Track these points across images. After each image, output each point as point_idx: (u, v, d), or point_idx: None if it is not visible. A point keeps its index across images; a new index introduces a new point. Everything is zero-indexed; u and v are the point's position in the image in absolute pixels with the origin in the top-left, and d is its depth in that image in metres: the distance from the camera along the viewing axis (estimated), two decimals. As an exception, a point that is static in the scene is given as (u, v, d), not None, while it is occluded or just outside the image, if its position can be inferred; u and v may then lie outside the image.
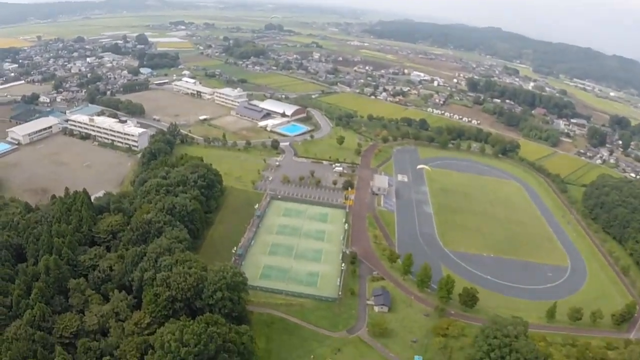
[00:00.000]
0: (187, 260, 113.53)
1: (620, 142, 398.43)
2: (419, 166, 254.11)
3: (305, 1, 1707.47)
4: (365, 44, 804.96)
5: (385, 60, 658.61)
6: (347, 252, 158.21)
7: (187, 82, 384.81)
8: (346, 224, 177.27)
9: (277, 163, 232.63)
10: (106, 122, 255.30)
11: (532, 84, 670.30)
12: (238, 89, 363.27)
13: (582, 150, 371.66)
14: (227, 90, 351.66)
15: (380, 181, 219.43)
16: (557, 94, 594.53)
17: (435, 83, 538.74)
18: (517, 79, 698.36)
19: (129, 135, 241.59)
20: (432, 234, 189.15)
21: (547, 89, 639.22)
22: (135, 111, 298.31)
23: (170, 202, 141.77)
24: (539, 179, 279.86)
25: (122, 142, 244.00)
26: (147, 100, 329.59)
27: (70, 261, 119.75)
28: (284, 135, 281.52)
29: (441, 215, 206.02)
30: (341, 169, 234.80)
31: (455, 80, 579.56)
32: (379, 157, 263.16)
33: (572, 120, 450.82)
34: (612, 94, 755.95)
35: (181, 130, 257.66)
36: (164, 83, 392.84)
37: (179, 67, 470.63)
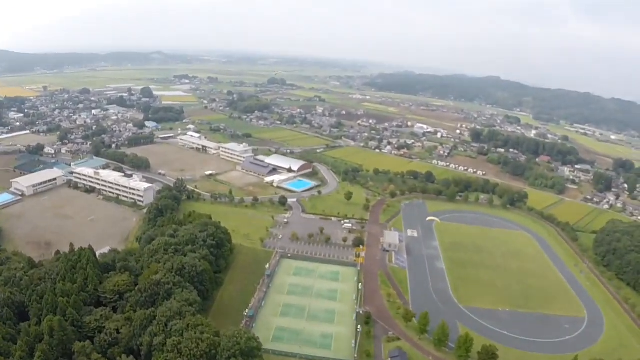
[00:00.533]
0: (198, 324, 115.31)
1: (625, 185, 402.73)
2: (429, 218, 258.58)
3: (307, 55, 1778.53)
4: (367, 97, 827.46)
5: (388, 114, 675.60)
6: (361, 312, 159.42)
7: (192, 136, 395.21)
8: (359, 283, 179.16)
9: (286, 220, 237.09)
10: (111, 175, 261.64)
11: (534, 131, 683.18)
12: (244, 144, 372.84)
13: (588, 196, 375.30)
14: (233, 145, 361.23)
15: (391, 237, 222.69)
16: (560, 141, 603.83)
17: (439, 135, 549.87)
18: (519, 128, 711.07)
19: (134, 190, 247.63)
20: (445, 290, 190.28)
21: (549, 136, 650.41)
22: (141, 165, 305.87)
23: (179, 262, 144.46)
24: (548, 228, 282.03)
25: (127, 197, 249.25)
26: (152, 154, 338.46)
27: (75, 322, 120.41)
28: (291, 191, 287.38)
29: (454, 271, 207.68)
30: (350, 225, 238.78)
31: (458, 132, 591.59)
32: (388, 212, 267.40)
33: (577, 167, 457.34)
34: (613, 137, 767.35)
35: (187, 186, 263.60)
36: (170, 137, 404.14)
37: (184, 121, 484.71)
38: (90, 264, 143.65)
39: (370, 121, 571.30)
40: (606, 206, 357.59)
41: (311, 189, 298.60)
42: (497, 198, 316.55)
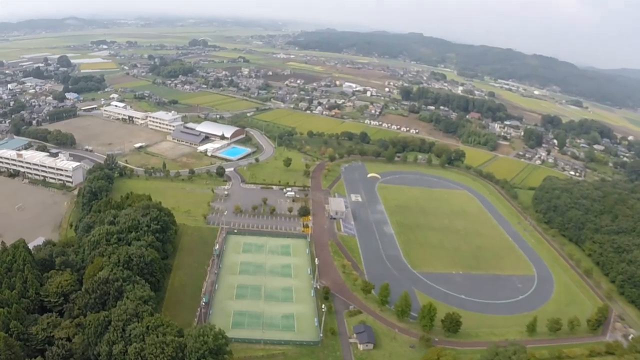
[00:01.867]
0: (159, 325, 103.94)
1: (555, 141, 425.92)
2: (369, 175, 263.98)
3: (226, 15, 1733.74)
4: (292, 56, 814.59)
5: (314, 72, 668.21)
6: (319, 287, 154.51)
7: (117, 106, 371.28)
8: (312, 257, 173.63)
9: (226, 192, 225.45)
10: (36, 156, 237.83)
11: (460, 88, 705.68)
12: (172, 112, 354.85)
13: (520, 152, 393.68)
14: (161, 114, 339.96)
15: (337, 204, 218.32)
16: (487, 97, 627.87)
17: (369, 93, 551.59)
18: (445, 84, 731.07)
19: (62, 170, 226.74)
20: (397, 256, 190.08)
21: (476, 92, 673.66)
22: (66, 142, 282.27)
23: (125, 254, 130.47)
24: (488, 186, 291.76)
25: (55, 179, 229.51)
26: (76, 128, 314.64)
27: (21, 335, 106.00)
28: (226, 160, 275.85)
29: (402, 235, 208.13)
30: (293, 193, 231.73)
31: (387, 90, 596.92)
32: (329, 177, 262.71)
33: (506, 123, 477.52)
34: (536, 92, 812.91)
35: (119, 162, 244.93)
36: (93, 108, 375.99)
37: (106, 90, 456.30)
38: (27, 264, 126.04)
39: (298, 81, 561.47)
40: (538, 162, 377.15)
41: (247, 156, 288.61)
42: (435, 157, 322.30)
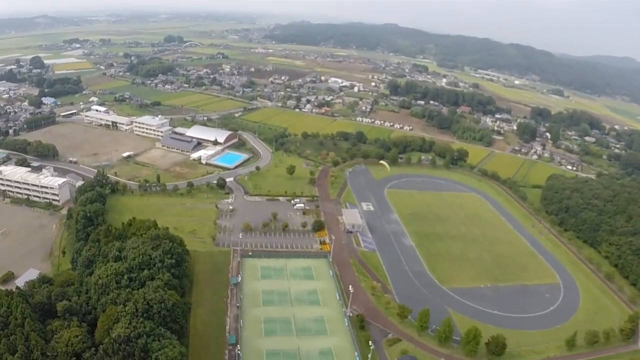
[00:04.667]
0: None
1: (548, 134, 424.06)
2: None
3: (198, 9, 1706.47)
4: (270, 51, 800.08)
5: (297, 68, 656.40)
6: (351, 314, 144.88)
7: (98, 111, 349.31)
8: (336, 278, 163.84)
9: (231, 207, 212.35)
10: (17, 172, 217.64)
11: (444, 80, 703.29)
12: (159, 115, 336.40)
13: (516, 147, 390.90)
14: (147, 119, 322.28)
15: (352, 217, 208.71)
16: (472, 89, 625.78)
17: (356, 89, 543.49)
18: (428, 76, 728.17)
19: (47, 188, 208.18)
20: (423, 272, 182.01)
21: (461, 84, 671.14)
22: (47, 154, 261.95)
23: (142, 300, 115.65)
24: (494, 186, 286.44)
25: (39, 197, 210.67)
26: (57, 137, 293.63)
27: None
28: (223, 168, 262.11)
29: (423, 247, 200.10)
30: (302, 205, 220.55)
31: (373, 84, 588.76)
32: (336, 185, 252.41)
33: (497, 116, 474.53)
34: (517, 82, 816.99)
35: (108, 175, 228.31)
36: (73, 114, 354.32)
37: (84, 92, 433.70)
38: (27, 317, 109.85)
39: (283, 77, 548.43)
40: (535, 156, 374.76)
41: (244, 162, 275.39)
42: (438, 157, 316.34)
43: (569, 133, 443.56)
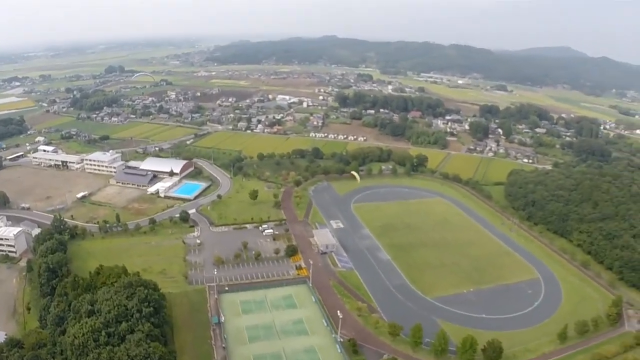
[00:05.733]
0: None
1: (500, 130, 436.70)
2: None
3: (136, 37, 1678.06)
4: (213, 73, 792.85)
5: (242, 88, 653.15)
6: (342, 340, 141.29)
7: (45, 151, 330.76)
8: (319, 303, 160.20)
9: (198, 241, 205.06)
10: None
11: (390, 87, 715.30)
12: (111, 151, 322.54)
13: (471, 147, 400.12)
14: (98, 155, 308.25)
15: (324, 237, 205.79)
16: (418, 92, 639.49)
17: (305, 104, 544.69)
18: (374, 85, 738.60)
19: (1, 239, 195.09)
20: (404, 284, 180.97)
21: (407, 89, 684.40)
22: None
23: (126, 358, 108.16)
24: (458, 188, 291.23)
25: None
26: (6, 182, 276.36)
27: None
28: (183, 200, 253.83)
29: (400, 259, 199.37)
30: (271, 230, 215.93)
31: (321, 97, 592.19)
32: (301, 206, 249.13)
33: (448, 118, 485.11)
34: (460, 82, 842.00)
35: (66, 220, 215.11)
36: (19, 156, 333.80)
37: (29, 132, 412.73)
38: None
39: (230, 99, 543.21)
40: (490, 154, 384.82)
41: (203, 191, 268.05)
42: (398, 166, 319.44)
43: (520, 127, 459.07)
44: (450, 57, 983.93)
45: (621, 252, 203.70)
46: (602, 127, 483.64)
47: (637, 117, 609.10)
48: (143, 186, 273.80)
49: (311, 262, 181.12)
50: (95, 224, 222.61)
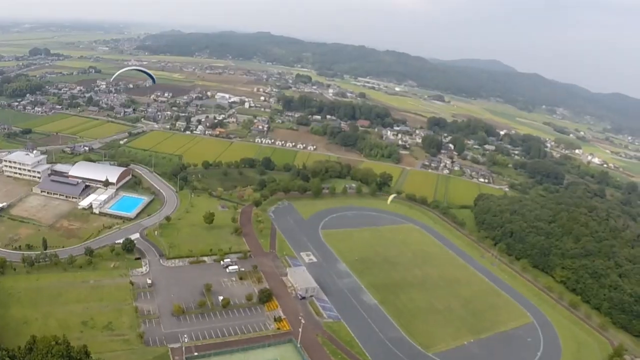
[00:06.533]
0: None
1: (451, 145, 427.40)
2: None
3: (63, 18, 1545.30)
4: (145, 63, 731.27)
5: (177, 81, 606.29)
6: None
7: None
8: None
9: (149, 280, 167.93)
10: None
11: (330, 90, 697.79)
12: (35, 151, 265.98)
13: (425, 162, 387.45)
14: (20, 156, 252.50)
15: (302, 278, 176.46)
16: (359, 99, 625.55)
17: (247, 104, 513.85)
18: (314, 87, 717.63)
19: None
20: (401, 338, 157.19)
21: (347, 94, 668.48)
22: None
23: None
24: (426, 212, 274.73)
25: None
26: None
27: None
28: (122, 219, 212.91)
29: (388, 304, 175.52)
30: (236, 267, 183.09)
31: (262, 98, 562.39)
32: (265, 232, 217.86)
33: (396, 128, 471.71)
34: (397, 88, 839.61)
35: None
36: None
37: None
38: None
39: (166, 94, 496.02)
40: (445, 171, 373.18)
41: (145, 207, 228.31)
42: (362, 184, 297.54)
43: (469, 142, 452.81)
44: (386, 63, 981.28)
45: (609, 292, 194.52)
46: (544, 146, 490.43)
47: (571, 135, 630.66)
48: (73, 198, 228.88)
49: (285, 311, 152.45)
50: (17, 249, 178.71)
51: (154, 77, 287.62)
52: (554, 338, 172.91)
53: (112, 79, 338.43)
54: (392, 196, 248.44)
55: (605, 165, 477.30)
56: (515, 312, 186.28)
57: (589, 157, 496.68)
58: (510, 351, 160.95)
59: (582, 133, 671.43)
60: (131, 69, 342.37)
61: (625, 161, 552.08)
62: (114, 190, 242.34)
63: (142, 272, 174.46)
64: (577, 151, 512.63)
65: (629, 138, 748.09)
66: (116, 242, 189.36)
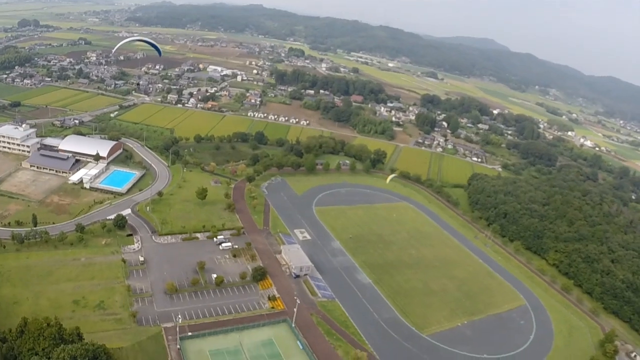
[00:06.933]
0: None
1: (445, 123, 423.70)
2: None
3: None
4: (135, 34, 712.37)
5: (169, 53, 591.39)
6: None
7: None
8: (308, 349, 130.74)
9: (141, 257, 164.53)
10: None
11: (323, 65, 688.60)
12: (24, 124, 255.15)
13: (419, 140, 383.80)
14: (9, 129, 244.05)
15: (296, 256, 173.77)
16: (352, 74, 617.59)
17: (239, 78, 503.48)
18: (307, 61, 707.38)
19: None
20: (395, 318, 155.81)
21: (341, 68, 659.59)
22: None
23: None
24: (420, 191, 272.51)
25: None
26: None
27: None
28: (113, 194, 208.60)
29: (383, 284, 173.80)
30: (230, 244, 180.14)
31: (255, 72, 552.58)
32: (258, 208, 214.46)
33: (390, 105, 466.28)
34: (390, 64, 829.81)
35: None
36: None
37: None
38: None
39: (157, 66, 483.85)
40: (439, 149, 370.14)
41: (137, 182, 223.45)
42: (356, 161, 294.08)
43: (462, 120, 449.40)
44: (379, 38, 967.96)
45: (602, 277, 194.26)
46: (537, 127, 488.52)
47: (564, 117, 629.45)
48: (63, 172, 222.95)
49: (279, 289, 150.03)
50: (6, 226, 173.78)
51: (160, 49, 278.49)
52: (546, 322, 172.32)
53: (114, 50, 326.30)
54: (391, 175, 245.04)
55: (597, 149, 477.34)
56: (509, 294, 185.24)
57: (582, 140, 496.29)
58: (502, 334, 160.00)
59: (574, 115, 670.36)
60: (135, 40, 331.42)
61: (617, 145, 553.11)
62: (105, 164, 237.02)
63: (134, 249, 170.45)
64: (569, 133, 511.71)
65: (621, 122, 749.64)
66: (108, 218, 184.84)
